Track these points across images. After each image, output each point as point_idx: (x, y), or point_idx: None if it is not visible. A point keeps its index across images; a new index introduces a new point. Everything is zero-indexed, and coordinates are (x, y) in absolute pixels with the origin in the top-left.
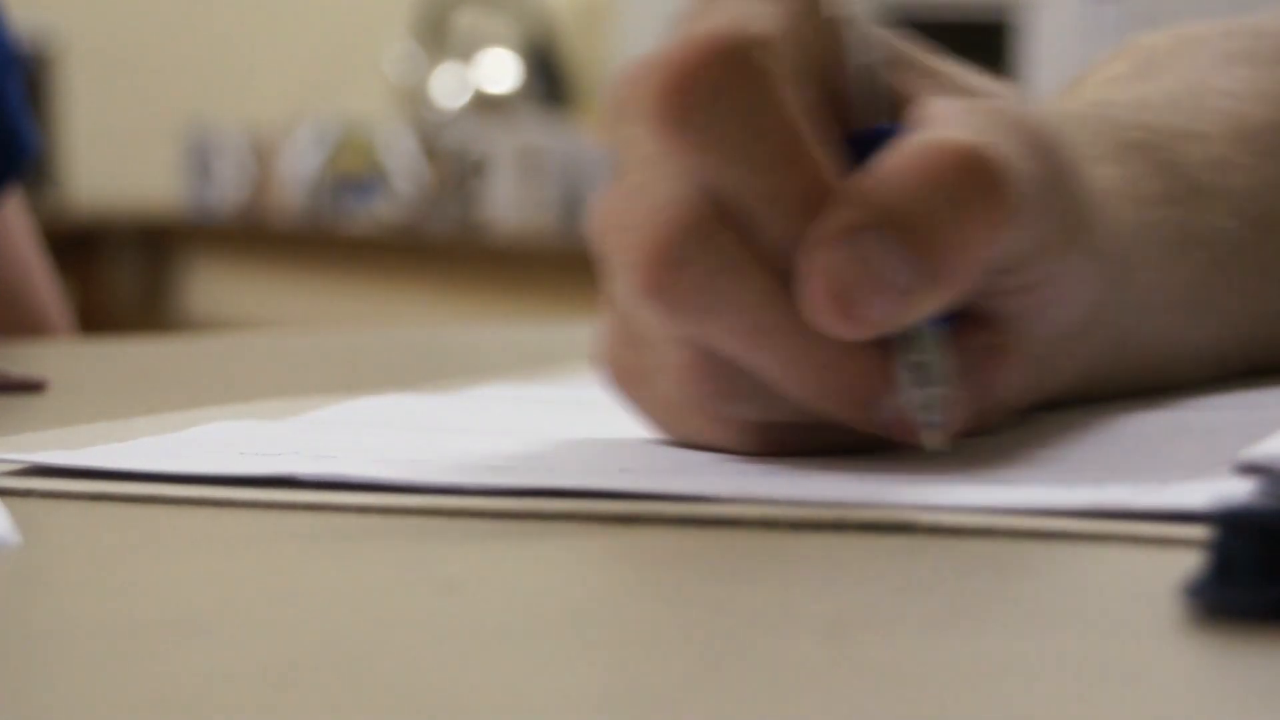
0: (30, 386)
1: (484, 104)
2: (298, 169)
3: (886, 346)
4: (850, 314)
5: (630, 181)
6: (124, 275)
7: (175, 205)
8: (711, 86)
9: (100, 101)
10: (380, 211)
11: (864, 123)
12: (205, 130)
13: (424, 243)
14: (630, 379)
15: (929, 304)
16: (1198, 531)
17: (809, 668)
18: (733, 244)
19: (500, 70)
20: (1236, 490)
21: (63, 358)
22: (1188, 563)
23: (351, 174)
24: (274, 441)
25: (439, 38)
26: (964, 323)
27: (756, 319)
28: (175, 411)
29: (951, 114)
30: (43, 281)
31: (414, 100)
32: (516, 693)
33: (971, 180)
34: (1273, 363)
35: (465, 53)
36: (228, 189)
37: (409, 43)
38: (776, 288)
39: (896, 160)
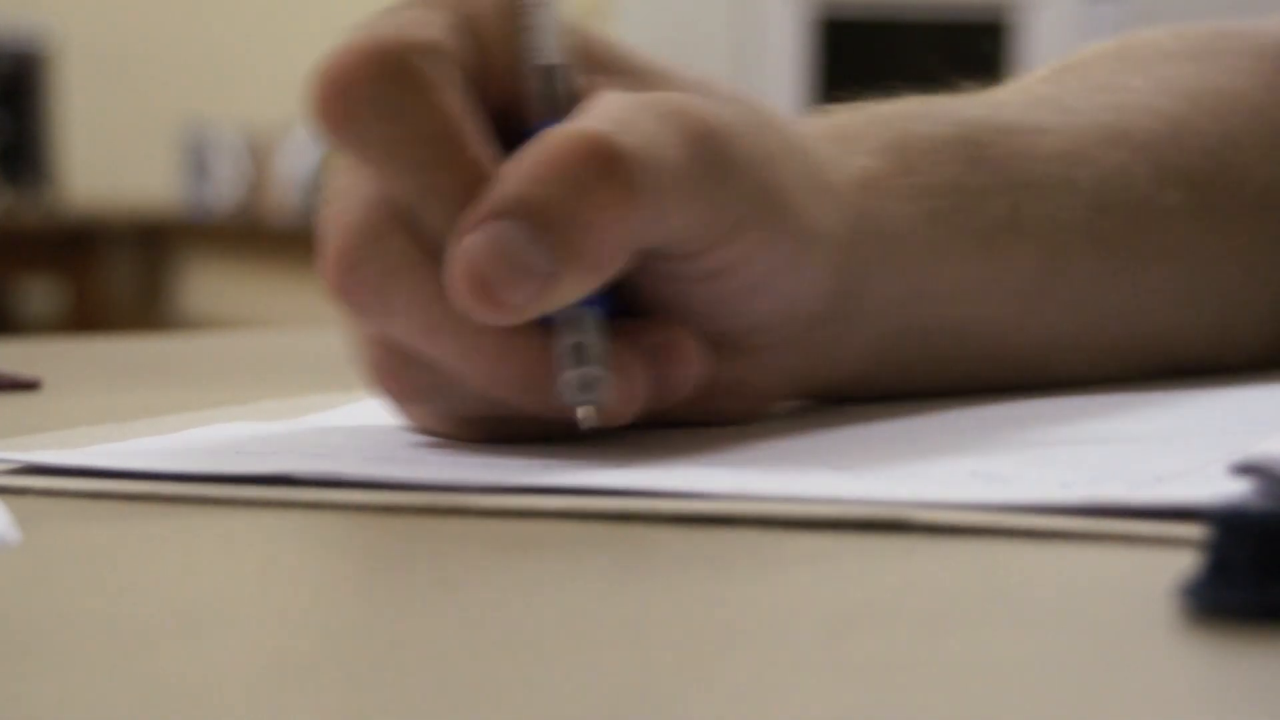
0: (24, 385)
1: None
2: (294, 168)
3: (552, 334)
4: (491, 299)
5: (334, 186)
6: (120, 274)
7: (172, 204)
8: (366, 92)
9: (97, 101)
10: None
11: (537, 120)
12: (202, 129)
13: None
14: (369, 374)
15: (571, 287)
16: (1194, 531)
17: (808, 667)
18: (403, 244)
19: None
20: (1233, 490)
21: (58, 356)
22: (1184, 563)
23: None
24: (271, 441)
25: None
26: (640, 320)
27: (428, 315)
28: (171, 410)
29: (600, 107)
30: None
31: None
32: (513, 690)
33: (592, 165)
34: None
35: None
36: (224, 188)
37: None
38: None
39: (529, 152)
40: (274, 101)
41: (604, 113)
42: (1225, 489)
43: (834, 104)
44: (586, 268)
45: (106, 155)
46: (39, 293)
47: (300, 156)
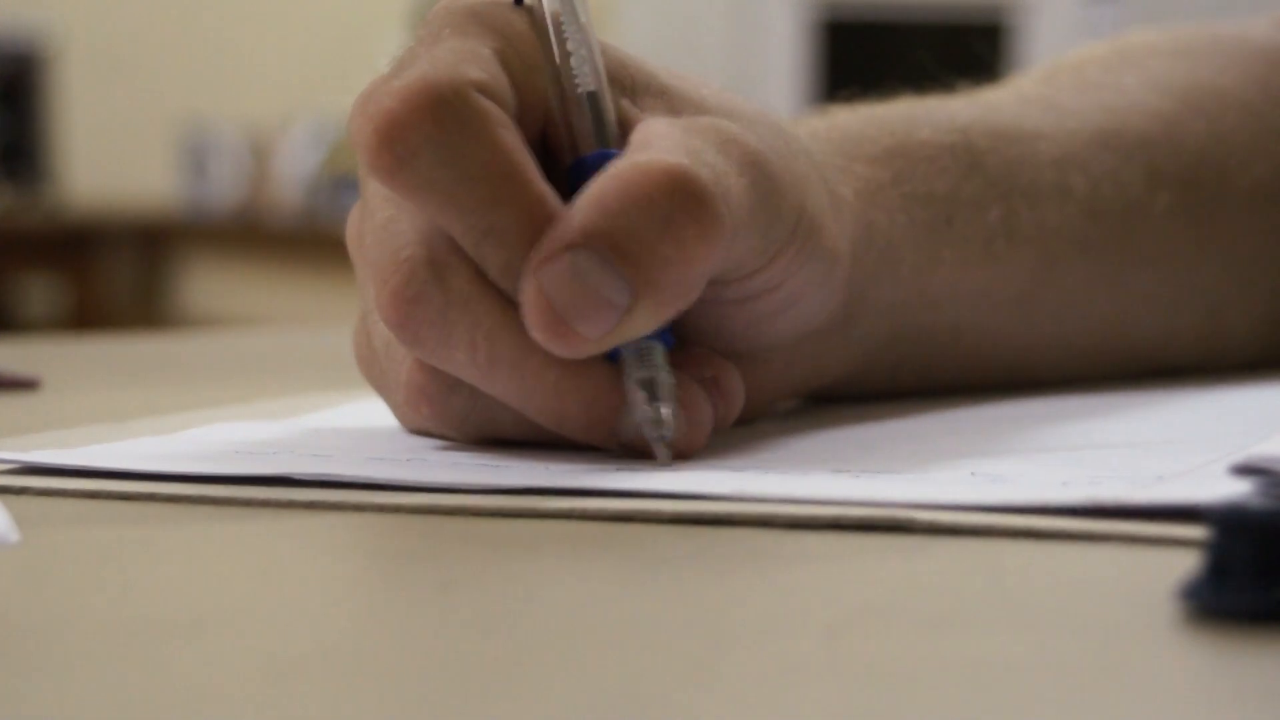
0: (24, 385)
1: None
2: (294, 167)
3: (617, 368)
4: (568, 331)
5: (377, 219)
6: (120, 273)
7: (172, 203)
8: (424, 134)
9: (97, 100)
10: None
11: (587, 149)
12: (202, 128)
13: None
14: (371, 375)
15: (646, 320)
16: (1194, 531)
17: (808, 667)
18: (464, 280)
19: None
20: (1233, 490)
21: (58, 355)
22: (1184, 563)
23: (348, 172)
24: (270, 442)
25: None
26: (690, 350)
27: (490, 350)
28: (170, 409)
29: (663, 134)
30: None
31: None
32: (513, 690)
33: (678, 199)
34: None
35: None
36: (224, 187)
37: (406, 40)
38: (509, 319)
39: (606, 183)
40: (274, 101)
41: (672, 144)
42: (1225, 489)
43: (834, 105)
44: (664, 301)
45: (106, 155)
46: (39, 293)
47: (300, 156)
